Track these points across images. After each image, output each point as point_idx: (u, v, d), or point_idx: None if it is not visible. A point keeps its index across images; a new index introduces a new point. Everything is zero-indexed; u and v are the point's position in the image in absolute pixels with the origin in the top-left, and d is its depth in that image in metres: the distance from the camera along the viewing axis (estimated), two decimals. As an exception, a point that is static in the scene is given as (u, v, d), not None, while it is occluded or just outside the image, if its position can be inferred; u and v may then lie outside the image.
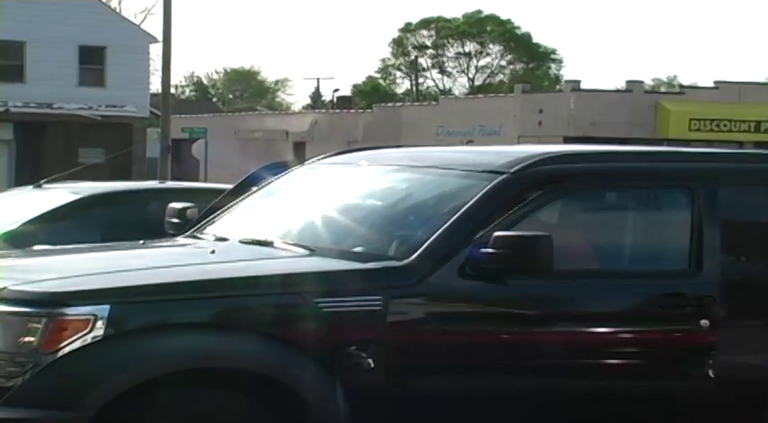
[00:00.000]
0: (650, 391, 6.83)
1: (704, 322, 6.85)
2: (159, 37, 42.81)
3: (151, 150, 51.71)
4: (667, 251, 7.20)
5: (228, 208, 8.11)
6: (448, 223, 6.60)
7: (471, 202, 6.69)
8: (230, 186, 10.31)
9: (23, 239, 9.09)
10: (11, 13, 49.90)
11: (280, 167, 8.72)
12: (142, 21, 59.72)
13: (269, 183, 8.37)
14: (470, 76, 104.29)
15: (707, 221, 7.04)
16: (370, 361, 6.24)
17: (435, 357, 6.52)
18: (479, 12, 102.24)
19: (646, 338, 6.96)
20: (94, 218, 10.14)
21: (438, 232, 6.56)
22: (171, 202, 10.82)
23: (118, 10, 59.67)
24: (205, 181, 37.59)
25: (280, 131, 64.02)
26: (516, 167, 6.90)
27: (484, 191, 6.75)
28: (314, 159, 8.58)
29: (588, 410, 6.72)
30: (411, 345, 6.42)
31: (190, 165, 55.15)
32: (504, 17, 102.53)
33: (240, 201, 8.22)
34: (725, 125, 51.23)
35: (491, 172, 6.93)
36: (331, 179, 7.95)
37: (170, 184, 15.26)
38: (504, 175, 6.85)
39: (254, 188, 8.35)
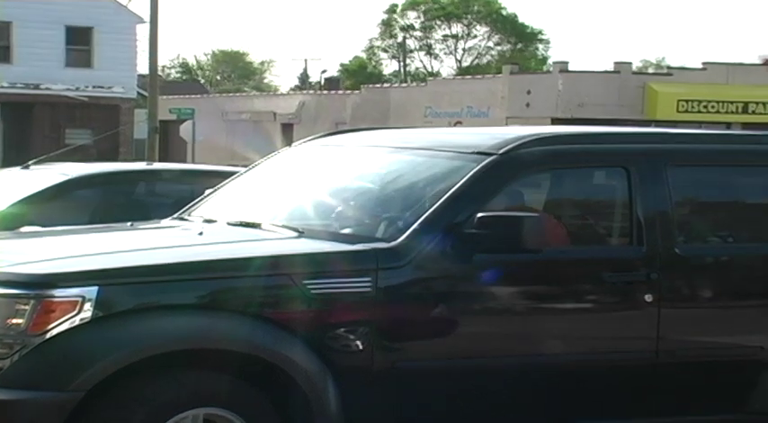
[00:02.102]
0: (602, 356, 6.91)
1: (648, 296, 6.93)
2: (146, 17, 42.79)
3: (139, 132, 51.57)
4: (620, 225, 7.27)
5: (216, 190, 8.11)
6: (436, 205, 6.61)
7: (460, 184, 6.69)
8: (219, 167, 10.34)
9: (11, 221, 9.07)
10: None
11: None
12: (129, 1, 59.36)
13: (257, 165, 8.39)
14: (458, 57, 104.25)
15: (656, 199, 7.12)
16: (359, 342, 6.28)
17: (424, 336, 6.57)
18: None
19: (600, 313, 7.06)
20: (82, 199, 10.12)
21: (426, 214, 6.58)
22: (158, 182, 10.90)
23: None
24: (193, 162, 37.53)
25: (267, 113, 63.88)
26: (505, 149, 6.90)
27: (472, 172, 6.76)
28: (301, 141, 8.56)
29: (555, 379, 6.78)
30: (400, 325, 6.45)
31: (177, 146, 55.14)
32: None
33: (228, 183, 8.23)
34: (713, 106, 51.23)
35: (479, 153, 6.93)
36: (319, 161, 7.93)
37: (158, 165, 15.21)
38: (493, 157, 6.86)
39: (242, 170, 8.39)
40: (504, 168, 6.85)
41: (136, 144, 52.00)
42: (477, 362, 6.60)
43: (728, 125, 46.84)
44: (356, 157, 7.76)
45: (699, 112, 50.09)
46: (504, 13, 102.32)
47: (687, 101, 52.33)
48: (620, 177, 7.18)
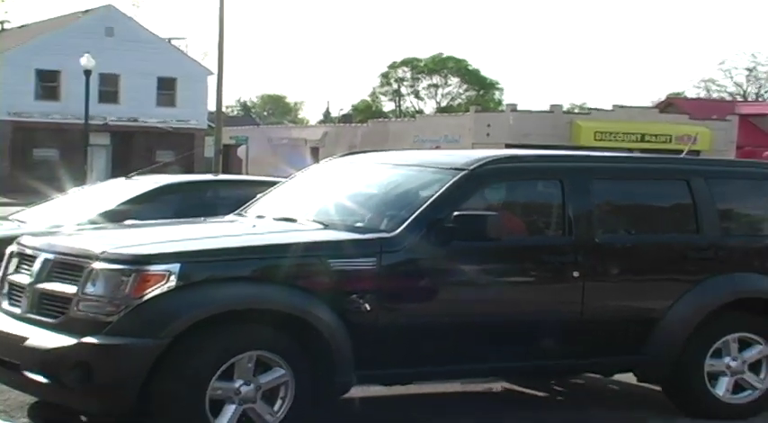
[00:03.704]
0: (544, 314, 6.89)
1: (576, 273, 6.92)
2: (214, 70, 42.79)
3: (208, 152, 51.70)
4: (556, 222, 7.20)
5: (264, 194, 8.05)
6: (424, 206, 6.60)
7: (441, 191, 6.68)
8: (265, 178, 10.31)
9: (118, 216, 9.04)
10: (110, 53, 49.82)
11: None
12: (203, 58, 59.51)
13: (293, 176, 8.39)
14: (437, 100, 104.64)
15: (583, 202, 7.09)
16: (367, 305, 6.24)
17: (414, 300, 6.56)
18: (441, 54, 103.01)
19: (541, 285, 7.03)
20: (168, 201, 10.05)
21: (417, 212, 6.55)
22: (222, 189, 10.86)
23: (186, 51, 59.36)
24: (246, 174, 37.52)
25: (300, 139, 63.67)
26: (471, 166, 6.89)
27: (450, 182, 6.74)
28: (326, 159, 8.55)
29: (510, 331, 6.77)
30: (397, 292, 6.43)
31: (235, 163, 55.21)
32: (459, 57, 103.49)
33: (272, 189, 8.18)
34: (619, 137, 51.36)
35: (455, 169, 6.90)
36: (339, 174, 7.89)
37: (221, 176, 15.22)
38: (465, 171, 6.84)
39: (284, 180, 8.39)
40: (473, 180, 6.82)
41: (206, 161, 51.94)
42: (452, 319, 6.59)
43: (630, 150, 46.77)
44: (365, 170, 7.70)
45: (609, 140, 50.08)
46: (470, 68, 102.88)
47: (601, 132, 52.49)
48: (556, 187, 7.15)
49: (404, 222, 6.50)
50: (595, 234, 7.09)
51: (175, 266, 5.90)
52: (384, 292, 6.33)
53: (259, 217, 7.43)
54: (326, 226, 6.81)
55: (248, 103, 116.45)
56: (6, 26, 71.83)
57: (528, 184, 7.36)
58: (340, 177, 7.75)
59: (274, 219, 7.24)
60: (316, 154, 53.95)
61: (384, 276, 6.34)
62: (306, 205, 7.35)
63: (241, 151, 52.42)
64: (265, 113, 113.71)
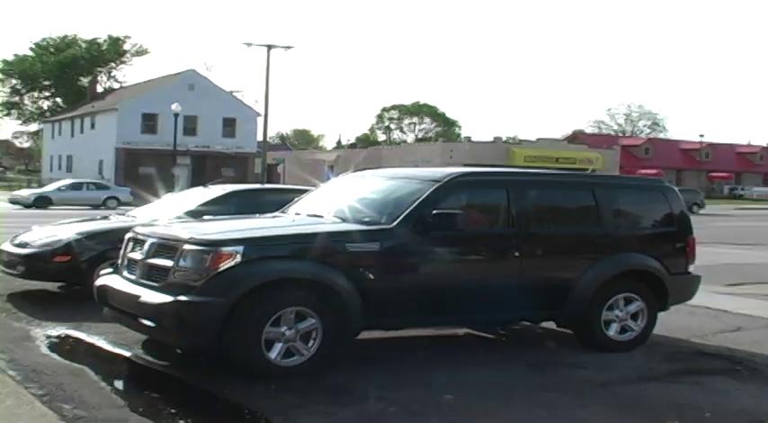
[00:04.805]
0: (495, 281, 6.79)
1: (517, 253, 6.86)
2: (261, 112, 42.86)
3: (257, 170, 51.86)
4: (503, 217, 7.08)
5: (299, 199, 7.99)
6: (412, 206, 6.55)
7: (424, 196, 6.63)
8: (298, 187, 10.24)
9: (198, 214, 9.01)
10: (191, 101, 50.00)
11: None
12: (253, 105, 59.57)
13: (318, 187, 8.33)
14: (415, 134, 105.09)
15: (521, 204, 7.03)
16: (371, 275, 6.20)
17: (404, 272, 6.48)
18: (419, 101, 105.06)
19: (493, 261, 6.93)
20: (232, 203, 10.02)
21: (407, 211, 6.50)
22: (268, 194, 10.80)
23: (242, 99, 59.42)
24: (284, 184, 37.48)
25: (320, 160, 63.61)
26: (445, 178, 6.85)
27: (430, 190, 6.69)
28: (342, 174, 8.47)
29: (469, 293, 6.68)
30: (393, 267, 6.37)
31: (276, 177, 55.19)
32: (432, 104, 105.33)
33: (304, 195, 8.12)
34: (541, 159, 51.53)
35: (433, 180, 6.85)
36: (351, 184, 7.80)
37: (267, 186, 15.22)
38: (440, 182, 6.80)
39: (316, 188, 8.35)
40: (446, 188, 6.77)
41: (255, 176, 51.90)
42: (430, 284, 6.52)
43: (549, 169, 46.95)
44: (370, 181, 7.62)
45: (534, 162, 50.29)
46: (438, 111, 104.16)
47: (529, 156, 52.82)
48: (503, 193, 7.09)
49: (398, 218, 6.45)
50: (530, 226, 7.04)
51: (240, 248, 5.86)
52: (383, 266, 6.27)
53: (297, 214, 7.37)
54: (344, 220, 6.75)
55: (284, 135, 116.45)
56: (124, 85, 72.29)
57: (484, 191, 7.28)
58: (352, 186, 7.69)
59: (307, 215, 7.18)
60: (331, 170, 54.07)
61: (384, 255, 6.28)
62: (329, 206, 7.31)
63: (280, 168, 52.82)
64: (296, 142, 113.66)
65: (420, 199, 6.59)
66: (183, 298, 5.70)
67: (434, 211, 6.45)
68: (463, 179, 7.00)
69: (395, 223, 6.42)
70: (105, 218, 10.67)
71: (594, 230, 7.45)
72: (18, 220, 20.83)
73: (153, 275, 6.12)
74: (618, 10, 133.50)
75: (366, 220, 6.64)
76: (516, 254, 6.88)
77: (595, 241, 7.43)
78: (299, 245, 6.17)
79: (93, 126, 59.33)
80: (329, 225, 6.65)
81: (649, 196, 8.02)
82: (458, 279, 6.65)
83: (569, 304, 7.11)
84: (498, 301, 6.83)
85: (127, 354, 6.64)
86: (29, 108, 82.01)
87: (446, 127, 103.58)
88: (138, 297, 5.97)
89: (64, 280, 9.48)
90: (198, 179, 42.57)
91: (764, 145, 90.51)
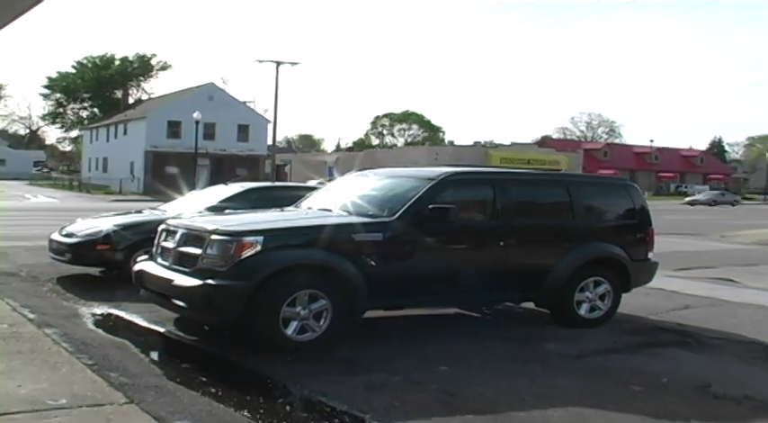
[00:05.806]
0: (482, 266, 6.70)
1: (501, 242, 6.79)
2: (271, 119, 42.67)
3: (267, 170, 51.62)
4: (489, 211, 7.01)
5: (309, 195, 7.93)
6: (410, 201, 6.49)
7: (420, 193, 6.57)
8: (305, 184, 10.15)
9: (220, 208, 8.95)
10: (210, 110, 49.56)
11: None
12: (264, 113, 59.20)
13: (326, 183, 8.26)
14: (405, 138, 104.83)
15: (505, 199, 6.97)
16: (374, 262, 6.14)
17: (403, 259, 6.39)
18: (408, 110, 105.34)
19: (480, 249, 6.82)
20: (250, 198, 9.95)
21: (406, 205, 6.45)
22: (281, 191, 10.72)
23: (254, 108, 59.13)
24: (292, 182, 37.37)
25: (322, 162, 63.47)
26: (439, 177, 6.79)
27: (426, 187, 6.63)
28: (346, 174, 8.39)
29: (459, 277, 6.59)
30: (393, 254, 6.30)
31: (284, 176, 54.96)
32: (419, 113, 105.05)
33: (313, 192, 8.07)
34: (515, 161, 51.43)
35: (428, 179, 6.79)
36: (356, 182, 7.72)
37: (278, 183, 15.21)
38: (435, 180, 6.73)
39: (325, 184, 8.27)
40: (440, 185, 6.71)
41: (266, 175, 51.73)
42: (426, 270, 6.44)
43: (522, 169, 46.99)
44: (372, 180, 7.55)
45: (509, 163, 49.95)
46: (425, 119, 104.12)
47: (504, 158, 52.64)
48: (489, 189, 7.05)
49: (398, 212, 6.40)
50: (513, 219, 6.98)
51: (260, 238, 5.80)
52: (385, 254, 6.21)
53: (309, 208, 7.30)
54: (350, 213, 6.68)
55: (290, 139, 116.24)
56: (152, 96, 72.16)
57: (473, 187, 7.22)
58: (357, 184, 7.63)
59: (318, 209, 7.11)
60: (333, 170, 53.94)
61: (385, 244, 6.22)
62: (337, 201, 7.25)
63: (287, 168, 52.55)
64: (300, 145, 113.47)
65: (417, 195, 6.54)
66: (210, 281, 5.65)
67: (430, 206, 6.39)
68: (455, 177, 6.94)
69: (395, 216, 6.36)
70: (139, 212, 10.60)
71: (569, 223, 7.41)
72: (65, 215, 20.69)
73: (184, 262, 6.05)
74: (582, 32, 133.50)
75: (370, 213, 6.57)
76: (501, 243, 6.83)
77: (569, 232, 7.40)
78: (311, 235, 6.09)
79: (125, 132, 58.99)
80: (338, 218, 6.58)
81: (615, 193, 8.00)
82: (450, 265, 6.58)
83: (546, 287, 7.08)
84: (485, 285, 6.78)
85: (161, 330, 6.58)
86: (70, 117, 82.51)
87: (432, 132, 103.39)
88: (171, 281, 5.92)
89: (104, 265, 9.43)
90: (216, 178, 42.37)
91: (703, 149, 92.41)
